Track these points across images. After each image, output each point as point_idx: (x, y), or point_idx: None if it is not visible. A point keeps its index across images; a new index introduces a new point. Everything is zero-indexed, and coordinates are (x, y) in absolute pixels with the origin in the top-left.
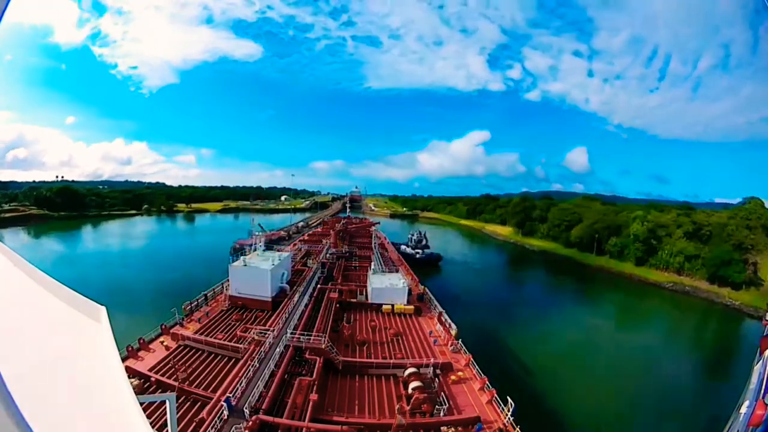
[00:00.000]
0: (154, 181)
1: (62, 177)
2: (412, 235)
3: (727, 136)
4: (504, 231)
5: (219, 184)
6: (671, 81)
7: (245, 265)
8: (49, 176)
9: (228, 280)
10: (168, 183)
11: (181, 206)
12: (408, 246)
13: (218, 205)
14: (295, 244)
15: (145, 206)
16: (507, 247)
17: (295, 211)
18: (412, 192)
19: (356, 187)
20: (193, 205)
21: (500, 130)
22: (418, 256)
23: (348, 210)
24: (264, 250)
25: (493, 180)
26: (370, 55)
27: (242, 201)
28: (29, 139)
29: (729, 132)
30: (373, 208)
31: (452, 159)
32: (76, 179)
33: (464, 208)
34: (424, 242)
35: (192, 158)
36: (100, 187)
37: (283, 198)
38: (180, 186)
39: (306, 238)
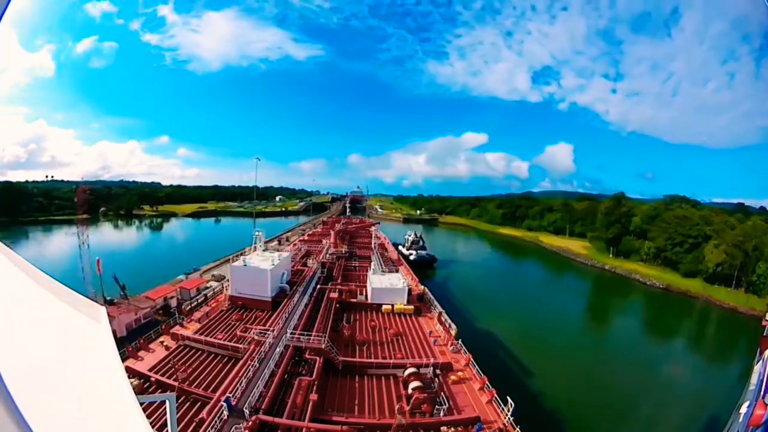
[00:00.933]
0: (149, 180)
1: (52, 177)
2: (409, 235)
3: (728, 143)
4: (576, 247)
5: (212, 184)
6: (682, 98)
7: (245, 265)
8: (45, 176)
9: (228, 280)
10: (164, 183)
11: (146, 209)
12: (404, 246)
13: (192, 207)
14: (295, 244)
15: (103, 209)
16: (597, 275)
17: (287, 214)
18: (401, 191)
19: (358, 187)
20: (161, 208)
21: (502, 133)
22: (412, 257)
23: (348, 212)
24: (264, 250)
25: (477, 181)
26: (433, 67)
27: (230, 202)
28: (35, 138)
29: (728, 139)
30: (379, 210)
31: (437, 159)
32: (73, 179)
33: (498, 212)
34: (421, 243)
35: (194, 156)
36: (75, 187)
37: (277, 198)
38: (170, 185)
39: (306, 238)
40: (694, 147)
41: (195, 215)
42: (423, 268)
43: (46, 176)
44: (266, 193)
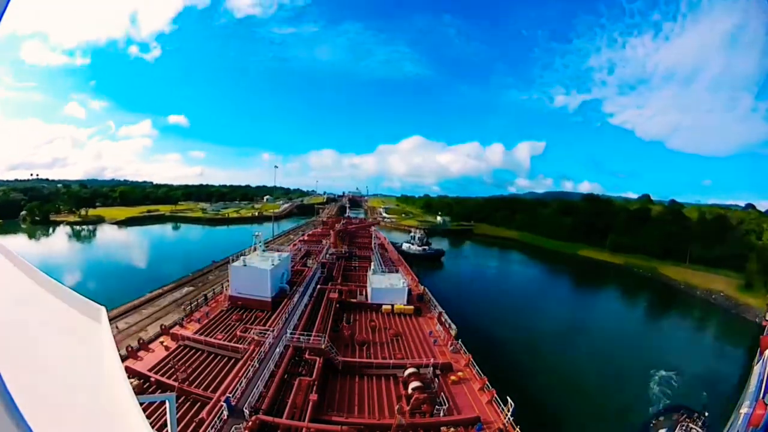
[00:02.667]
0: (141, 180)
1: (37, 175)
2: (414, 234)
3: (722, 152)
4: (724, 285)
5: (199, 183)
6: (692, 121)
7: (245, 265)
8: (45, 175)
9: (228, 280)
10: (156, 181)
11: (76, 214)
12: (411, 244)
13: (133, 211)
14: (295, 244)
15: (23, 213)
16: None
17: (262, 220)
18: (404, 191)
19: (357, 188)
20: (93, 212)
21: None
22: (426, 250)
23: (347, 212)
24: (264, 250)
25: (447, 184)
26: (514, 93)
27: (204, 203)
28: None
29: (723, 149)
30: (385, 214)
31: (406, 160)
32: (68, 178)
33: (564, 220)
34: (425, 239)
35: (198, 155)
36: (43, 186)
37: (265, 199)
38: (154, 183)
39: (306, 238)
40: (696, 156)
41: (130, 222)
42: (432, 261)
43: (30, 174)
44: (254, 193)
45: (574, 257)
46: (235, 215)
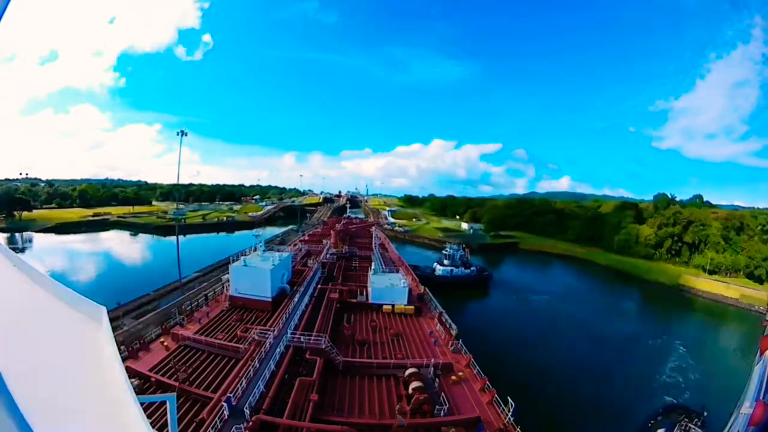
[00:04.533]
0: (136, 179)
1: (26, 174)
2: (449, 248)
3: (720, 159)
4: None
5: (199, 182)
6: (697, 140)
7: (245, 265)
8: (37, 174)
9: (228, 280)
10: (150, 181)
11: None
12: (446, 265)
13: (71, 215)
14: (295, 244)
15: None
16: None
17: (235, 227)
18: (404, 191)
19: (356, 188)
20: (27, 215)
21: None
22: (472, 272)
23: (348, 211)
24: (264, 250)
25: (422, 182)
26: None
27: (181, 204)
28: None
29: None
30: (390, 218)
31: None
32: (67, 178)
33: (647, 231)
34: (465, 255)
35: (197, 154)
36: (40, 185)
37: (254, 199)
38: (149, 183)
39: (306, 238)
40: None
41: (62, 228)
42: (477, 287)
43: (20, 173)
44: (245, 193)
45: (689, 292)
46: (199, 220)
